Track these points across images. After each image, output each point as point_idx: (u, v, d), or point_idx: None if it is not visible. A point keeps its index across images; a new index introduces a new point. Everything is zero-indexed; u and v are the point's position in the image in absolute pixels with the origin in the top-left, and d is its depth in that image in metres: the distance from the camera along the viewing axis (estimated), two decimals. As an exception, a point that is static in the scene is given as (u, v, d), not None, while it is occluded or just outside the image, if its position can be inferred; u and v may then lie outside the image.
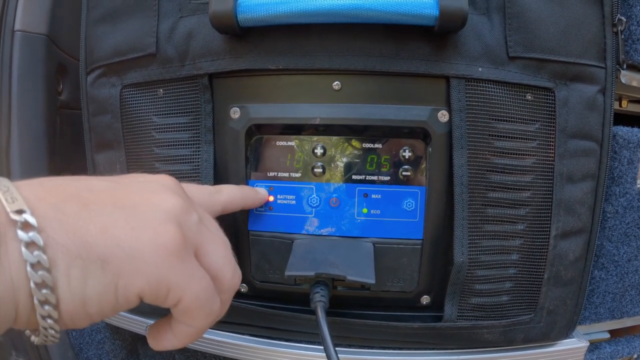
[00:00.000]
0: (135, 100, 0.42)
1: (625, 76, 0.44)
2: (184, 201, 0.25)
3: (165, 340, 0.27)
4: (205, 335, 0.44)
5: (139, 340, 0.53)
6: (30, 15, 0.53)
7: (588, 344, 0.45)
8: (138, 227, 0.22)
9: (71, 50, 0.57)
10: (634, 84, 0.44)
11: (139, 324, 0.47)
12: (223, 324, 0.44)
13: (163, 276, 0.22)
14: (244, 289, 0.44)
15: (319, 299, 0.35)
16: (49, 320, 0.20)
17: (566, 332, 0.44)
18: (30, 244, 0.19)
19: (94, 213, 0.21)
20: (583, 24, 0.38)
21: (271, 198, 0.41)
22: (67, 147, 0.59)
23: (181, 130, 0.41)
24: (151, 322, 0.46)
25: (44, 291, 0.20)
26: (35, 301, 0.20)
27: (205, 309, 0.25)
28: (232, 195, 0.35)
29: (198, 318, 0.25)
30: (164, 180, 0.26)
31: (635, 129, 0.45)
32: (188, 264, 0.23)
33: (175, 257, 0.23)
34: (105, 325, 0.50)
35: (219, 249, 0.26)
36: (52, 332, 0.21)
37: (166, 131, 0.41)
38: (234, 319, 0.44)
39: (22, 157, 0.50)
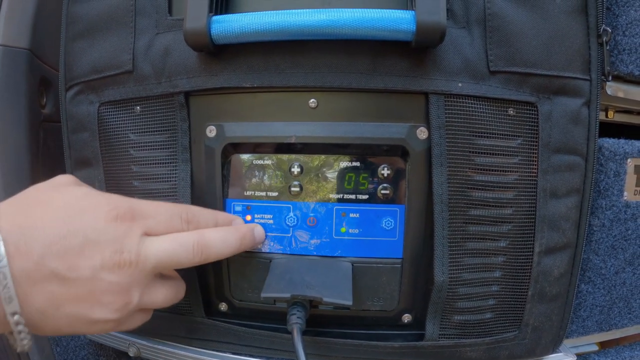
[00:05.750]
0: (113, 117, 0.42)
1: (611, 87, 0.43)
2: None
3: None
4: (186, 353, 0.44)
5: (123, 356, 0.53)
6: (11, 29, 0.52)
7: (575, 358, 0.44)
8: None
9: (55, 64, 0.57)
10: (620, 94, 0.43)
11: (122, 341, 0.47)
12: (204, 342, 0.44)
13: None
14: (224, 307, 0.43)
15: (295, 321, 0.35)
16: (19, 327, 0.28)
17: (552, 347, 0.43)
18: None
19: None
20: (567, 35, 0.37)
21: (249, 217, 0.40)
22: (51, 161, 0.58)
23: (158, 148, 0.41)
24: (136, 340, 0.46)
25: (11, 305, 0.27)
26: (7, 311, 0.27)
27: None
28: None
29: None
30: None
31: (622, 141, 0.44)
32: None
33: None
34: (89, 342, 0.50)
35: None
36: (24, 335, 0.28)
37: (143, 149, 0.41)
38: (214, 337, 0.43)
39: (3, 171, 0.50)
